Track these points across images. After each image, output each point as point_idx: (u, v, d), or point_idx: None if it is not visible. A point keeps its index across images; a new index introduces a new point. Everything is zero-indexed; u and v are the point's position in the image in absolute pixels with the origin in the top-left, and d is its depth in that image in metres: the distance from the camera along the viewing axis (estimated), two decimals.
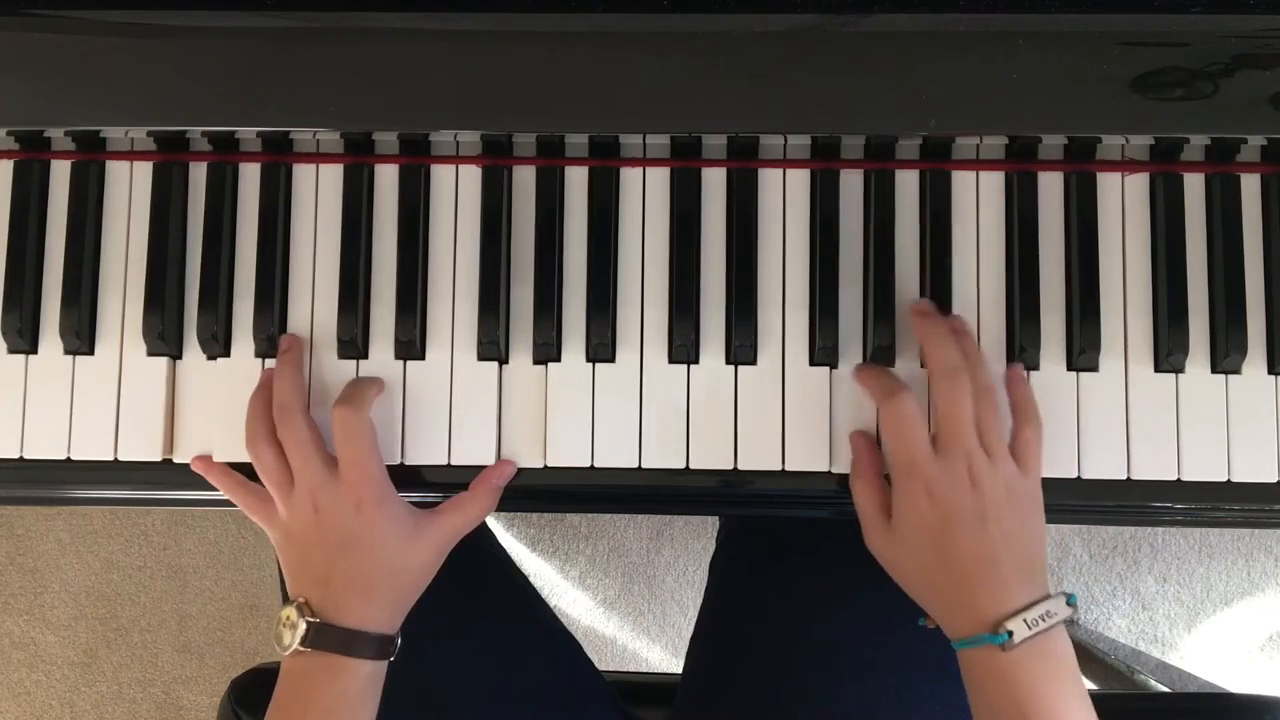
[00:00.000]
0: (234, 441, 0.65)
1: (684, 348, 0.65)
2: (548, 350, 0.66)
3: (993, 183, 0.67)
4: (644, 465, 0.65)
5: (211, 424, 0.66)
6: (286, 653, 0.61)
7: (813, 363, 0.66)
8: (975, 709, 0.59)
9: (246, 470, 0.65)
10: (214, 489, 0.66)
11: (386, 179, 0.67)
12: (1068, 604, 0.58)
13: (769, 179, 0.67)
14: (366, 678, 0.61)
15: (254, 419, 0.64)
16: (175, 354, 0.67)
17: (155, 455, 0.66)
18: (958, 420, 0.60)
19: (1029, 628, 0.56)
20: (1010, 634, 0.56)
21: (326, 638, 0.60)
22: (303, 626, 0.60)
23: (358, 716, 0.61)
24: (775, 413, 0.65)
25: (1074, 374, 0.65)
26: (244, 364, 0.67)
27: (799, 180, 0.67)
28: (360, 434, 0.62)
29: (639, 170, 0.67)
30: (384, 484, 0.62)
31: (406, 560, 0.62)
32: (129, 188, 0.68)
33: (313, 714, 0.60)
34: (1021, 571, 0.58)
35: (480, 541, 0.83)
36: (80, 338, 0.66)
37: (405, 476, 0.65)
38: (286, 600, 0.62)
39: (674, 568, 1.42)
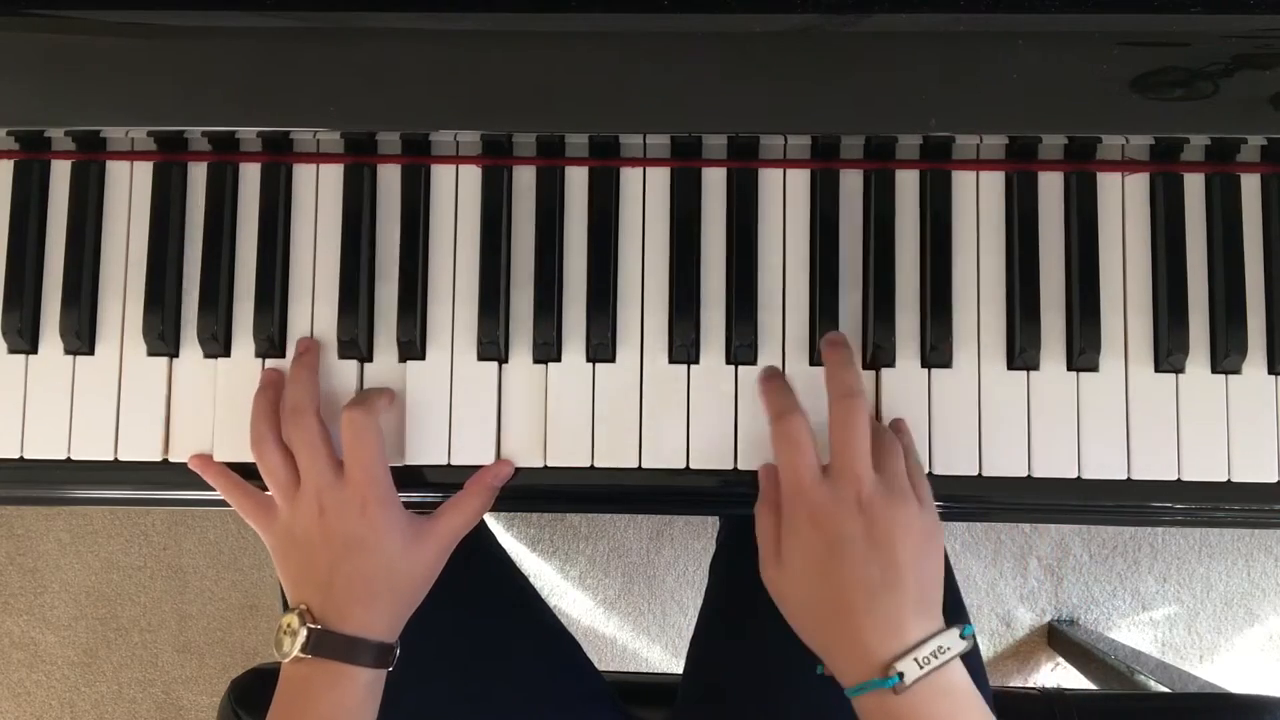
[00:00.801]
0: (234, 441, 0.65)
1: (684, 348, 0.65)
2: (548, 350, 0.66)
3: (993, 183, 0.67)
4: (644, 465, 0.65)
5: (211, 424, 0.66)
6: (286, 659, 0.60)
7: (813, 363, 0.66)
8: None
9: (244, 471, 0.65)
10: (213, 488, 0.66)
11: (387, 179, 0.67)
12: (961, 636, 0.55)
13: (769, 179, 0.67)
14: (365, 686, 0.61)
15: (259, 419, 0.64)
16: (175, 354, 0.67)
17: (155, 455, 0.66)
18: (851, 444, 0.57)
19: (920, 667, 0.53)
20: (901, 675, 0.53)
21: (327, 645, 0.60)
22: (304, 634, 0.60)
23: None
24: None
25: (1074, 374, 0.65)
26: (244, 364, 0.66)
27: (799, 180, 0.67)
28: (370, 436, 0.61)
29: (639, 170, 0.67)
30: (389, 488, 0.62)
31: (408, 564, 0.62)
32: (129, 188, 0.68)
33: None
34: (912, 604, 0.55)
35: (480, 541, 0.83)
36: (80, 338, 0.66)
37: (405, 477, 0.65)
38: (286, 607, 0.62)
39: (674, 568, 1.42)
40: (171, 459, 0.66)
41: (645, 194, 0.67)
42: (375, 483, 0.61)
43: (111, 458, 0.66)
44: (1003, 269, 0.66)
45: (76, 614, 1.45)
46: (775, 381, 0.63)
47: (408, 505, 0.64)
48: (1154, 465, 0.65)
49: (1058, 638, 1.37)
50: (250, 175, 0.68)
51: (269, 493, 0.64)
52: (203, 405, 0.66)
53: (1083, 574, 1.39)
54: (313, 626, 0.60)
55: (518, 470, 0.66)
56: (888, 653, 0.54)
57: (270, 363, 0.66)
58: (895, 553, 0.56)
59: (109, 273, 0.67)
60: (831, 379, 0.61)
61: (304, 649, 0.60)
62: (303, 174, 0.68)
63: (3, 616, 1.45)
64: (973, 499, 0.65)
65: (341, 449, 0.62)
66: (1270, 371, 0.65)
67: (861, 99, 0.60)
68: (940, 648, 0.54)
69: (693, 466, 0.65)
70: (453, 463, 0.65)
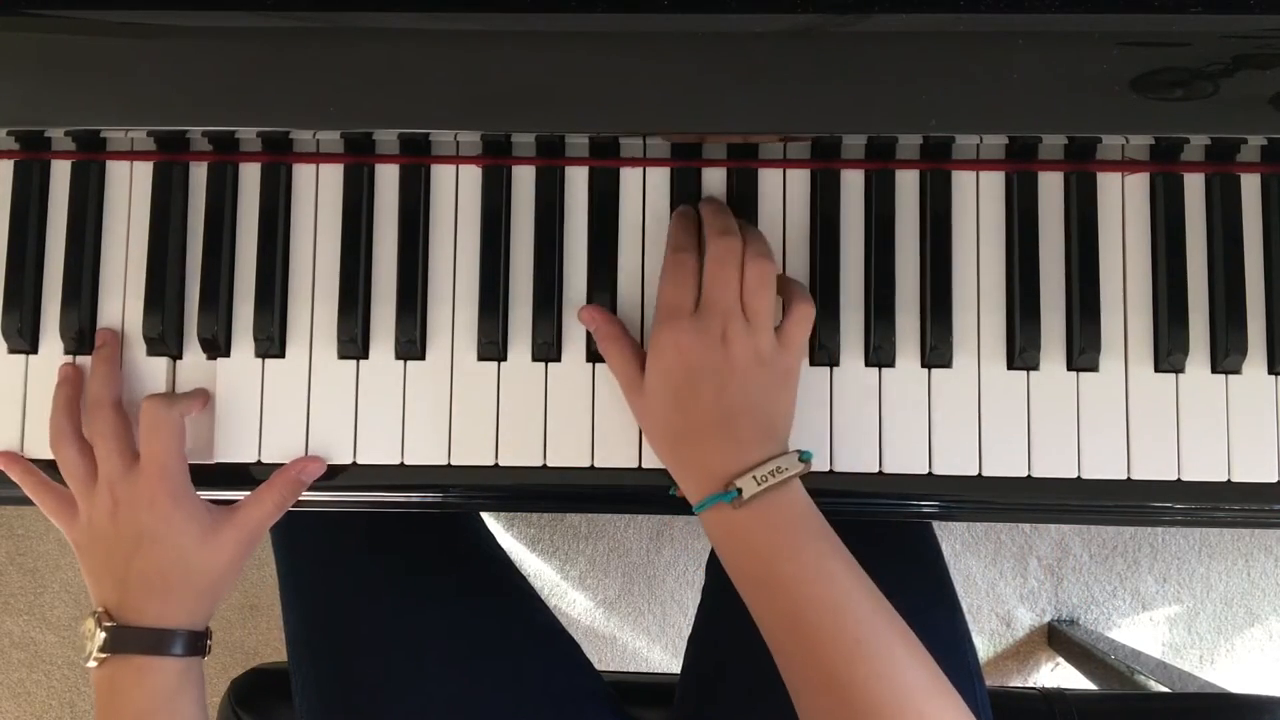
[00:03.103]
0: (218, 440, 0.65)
1: None
2: (547, 350, 0.66)
3: (993, 183, 0.67)
4: (644, 465, 0.65)
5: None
6: (91, 663, 0.61)
7: (813, 363, 0.66)
8: (732, 576, 0.59)
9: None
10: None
11: (386, 179, 0.67)
12: (800, 459, 0.58)
13: (769, 179, 0.67)
14: (177, 675, 0.61)
15: (58, 413, 0.64)
16: (176, 354, 0.67)
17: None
18: (721, 280, 0.60)
19: (758, 484, 0.57)
20: (740, 491, 0.57)
21: (127, 640, 0.60)
22: (101, 635, 0.60)
23: (180, 715, 0.61)
24: None
25: (1074, 374, 0.65)
26: (243, 364, 0.66)
27: (799, 180, 0.67)
28: (166, 428, 0.62)
29: (639, 170, 0.67)
30: (182, 480, 0.62)
31: (204, 556, 0.62)
32: (129, 188, 0.68)
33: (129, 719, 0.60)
34: (759, 432, 0.59)
35: (480, 541, 0.83)
36: (80, 338, 0.66)
37: (404, 477, 0.65)
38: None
39: (674, 568, 1.42)
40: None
41: (645, 194, 0.67)
42: (167, 475, 0.61)
43: None
44: (1003, 269, 0.66)
45: (76, 614, 1.45)
46: (685, 219, 0.65)
47: (407, 505, 0.64)
48: (1154, 465, 0.65)
49: (1058, 638, 1.37)
50: (250, 175, 0.68)
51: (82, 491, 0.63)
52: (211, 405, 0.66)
53: (1083, 574, 1.39)
54: (109, 625, 0.60)
55: (520, 469, 0.65)
56: (729, 471, 0.58)
57: (271, 362, 0.66)
58: (749, 387, 0.59)
59: (109, 273, 0.67)
60: (710, 222, 0.63)
61: (104, 648, 0.60)
62: (303, 174, 0.68)
63: (3, 616, 1.45)
64: (973, 499, 0.66)
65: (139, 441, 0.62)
66: (1270, 371, 0.65)
67: (861, 99, 0.60)
68: (778, 467, 0.57)
69: None
70: (452, 463, 0.65)
